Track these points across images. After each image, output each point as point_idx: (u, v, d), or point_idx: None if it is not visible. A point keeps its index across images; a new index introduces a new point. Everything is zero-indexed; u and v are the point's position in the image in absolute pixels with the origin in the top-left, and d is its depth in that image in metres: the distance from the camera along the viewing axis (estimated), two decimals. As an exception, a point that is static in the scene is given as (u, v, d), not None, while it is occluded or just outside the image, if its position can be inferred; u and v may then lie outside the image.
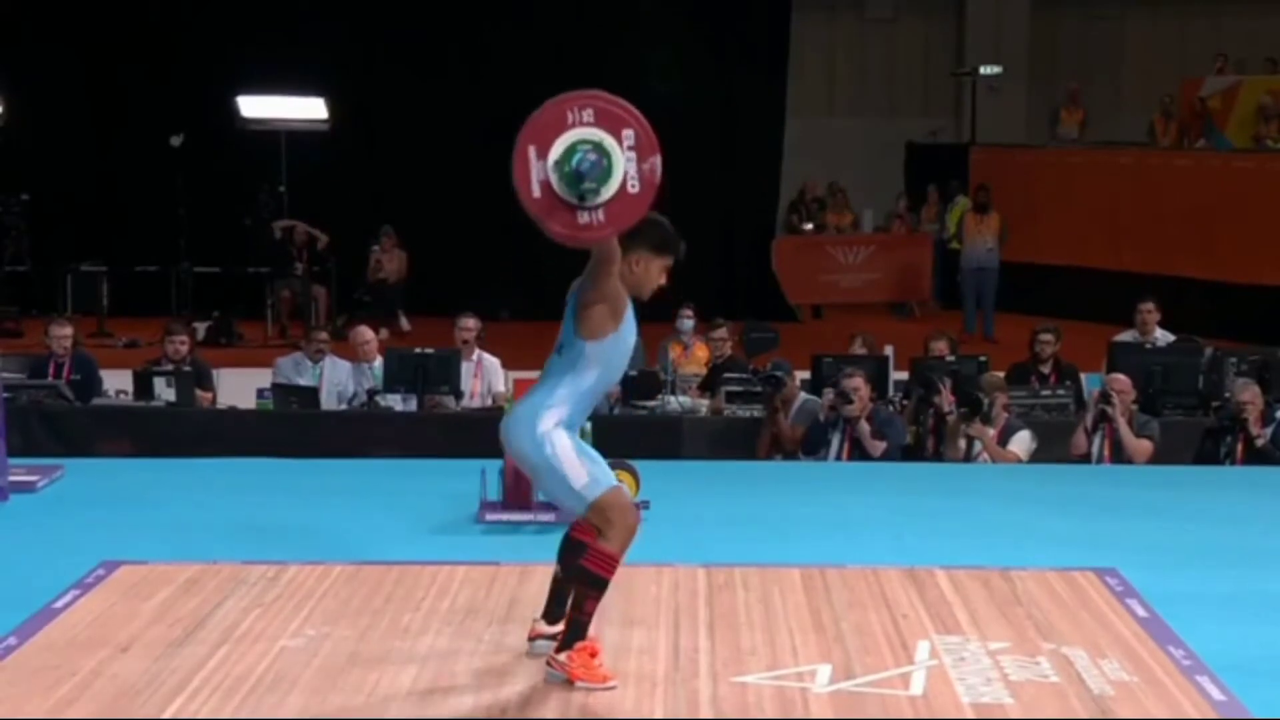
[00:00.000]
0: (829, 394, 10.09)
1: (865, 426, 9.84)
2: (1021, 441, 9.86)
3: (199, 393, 11.26)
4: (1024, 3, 22.30)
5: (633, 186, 5.10)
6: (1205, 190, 18.18)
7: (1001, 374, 11.06)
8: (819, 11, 21.81)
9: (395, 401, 11.22)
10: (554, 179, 5.09)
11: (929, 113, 22.39)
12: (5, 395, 9.62)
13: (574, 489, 5.26)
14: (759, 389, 10.73)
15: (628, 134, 5.10)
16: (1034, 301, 17.66)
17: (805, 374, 11.17)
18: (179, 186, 17.73)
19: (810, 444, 10.08)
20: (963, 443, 9.78)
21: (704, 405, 11.20)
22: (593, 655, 5.28)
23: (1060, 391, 11.24)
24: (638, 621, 5.86)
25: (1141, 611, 6.09)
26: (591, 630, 5.33)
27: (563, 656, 5.29)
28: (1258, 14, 21.43)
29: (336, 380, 11.63)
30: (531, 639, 5.56)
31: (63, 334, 11.58)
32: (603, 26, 18.21)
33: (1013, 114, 21.76)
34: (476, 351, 11.74)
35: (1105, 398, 9.92)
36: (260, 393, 11.50)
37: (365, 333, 11.97)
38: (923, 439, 10.04)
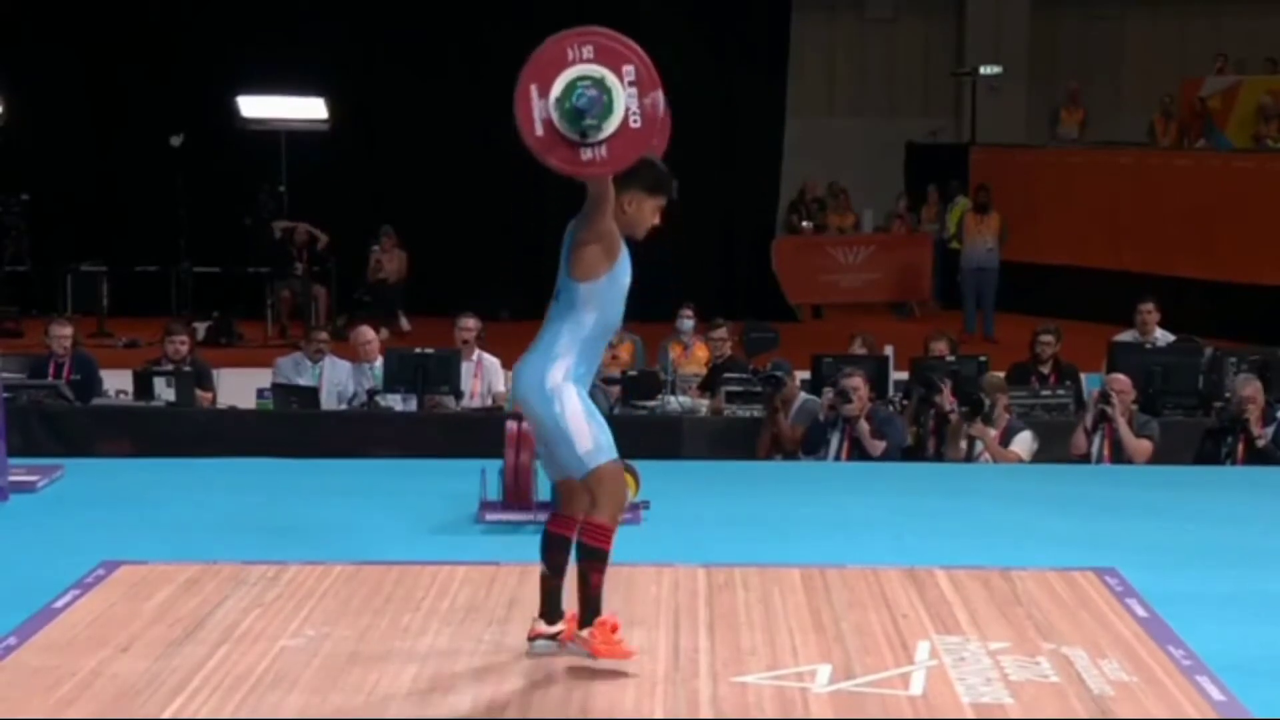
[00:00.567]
0: (828, 394, 10.09)
1: (864, 426, 9.84)
2: (1023, 442, 9.86)
3: (199, 393, 11.27)
4: (1024, 3, 22.30)
5: (634, 122, 5.10)
6: (1205, 190, 18.18)
7: (1001, 374, 11.06)
8: (819, 11, 21.81)
9: (395, 401, 11.22)
10: (555, 116, 5.08)
11: (929, 113, 22.39)
12: (5, 395, 9.62)
13: (577, 452, 5.28)
14: (759, 389, 10.73)
15: (628, 69, 5.11)
16: (1034, 301, 17.67)
17: (805, 374, 11.17)
18: (179, 186, 17.73)
19: (810, 444, 10.08)
20: (964, 443, 9.78)
21: (704, 405, 11.20)
22: (613, 630, 5.34)
23: (1060, 392, 11.24)
24: (638, 621, 5.86)
25: (1141, 611, 6.08)
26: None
27: (585, 633, 5.34)
28: (1258, 14, 21.43)
29: (336, 380, 11.63)
30: (531, 639, 5.56)
31: (63, 334, 11.59)
32: (604, 26, 18.21)
33: (1013, 114, 21.76)
34: (476, 351, 11.74)
35: (1105, 398, 9.92)
36: (260, 393, 11.50)
37: (367, 332, 11.97)
38: (924, 439, 10.03)
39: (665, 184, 5.38)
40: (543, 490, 7.57)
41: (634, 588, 6.25)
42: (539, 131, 5.12)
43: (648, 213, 5.37)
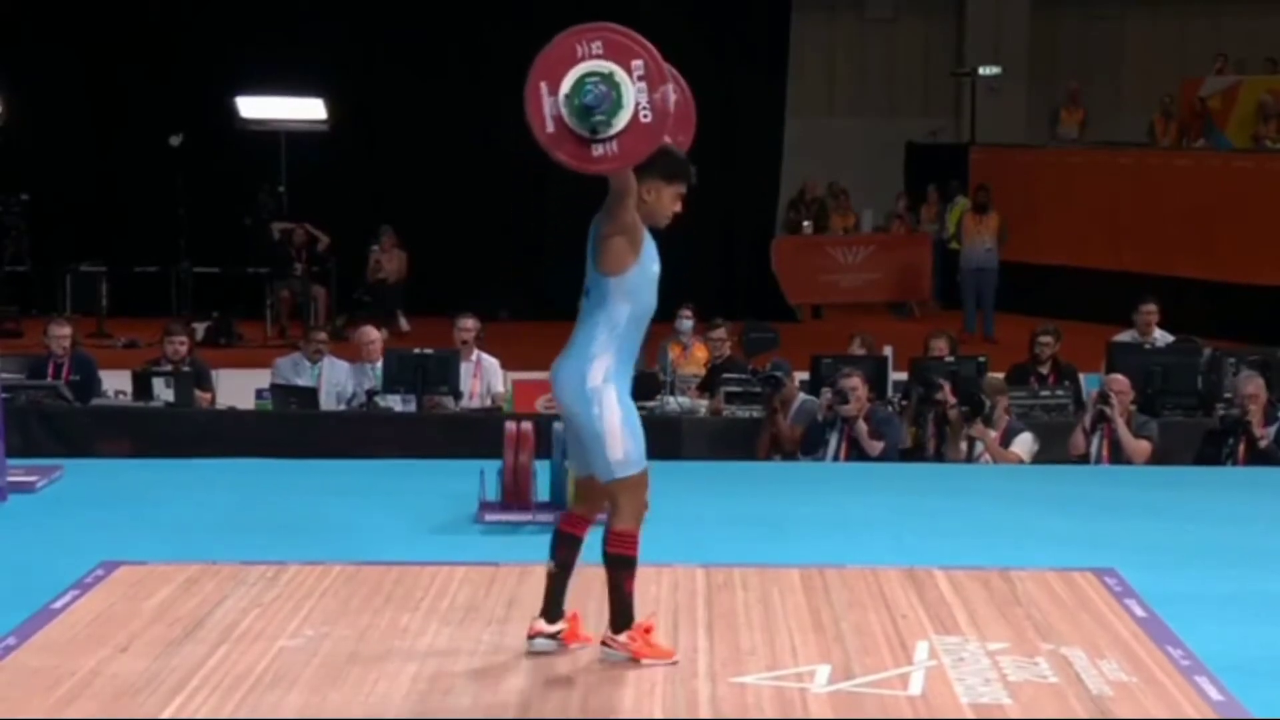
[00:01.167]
0: (826, 394, 10.08)
1: (863, 426, 9.84)
2: (1024, 443, 9.86)
3: (198, 393, 11.26)
4: (1024, 3, 22.30)
5: (645, 116, 5.12)
6: (1205, 190, 18.18)
7: (1001, 376, 11.06)
8: (819, 11, 21.81)
9: (395, 402, 11.22)
10: (565, 113, 5.09)
11: (929, 113, 22.39)
12: (5, 395, 9.63)
13: (607, 458, 5.33)
14: (758, 389, 10.73)
15: (637, 64, 5.12)
16: (1034, 302, 17.66)
17: (805, 374, 11.16)
18: (179, 187, 17.73)
19: (809, 444, 10.07)
20: (964, 444, 9.78)
21: (703, 405, 11.20)
22: (648, 632, 5.41)
23: (1059, 392, 11.24)
24: (637, 622, 5.85)
25: (1140, 612, 6.08)
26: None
27: (623, 637, 5.40)
28: (1258, 14, 21.43)
29: (335, 380, 11.63)
30: (530, 637, 5.56)
31: (62, 334, 11.58)
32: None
33: (1013, 114, 21.76)
34: (475, 352, 11.74)
35: (1104, 398, 9.92)
36: (259, 393, 11.50)
37: (370, 332, 11.96)
38: (923, 440, 10.01)
39: (684, 171, 5.40)
40: (542, 490, 7.60)
41: (633, 588, 6.24)
42: (550, 128, 5.13)
43: (668, 201, 5.39)
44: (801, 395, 10.64)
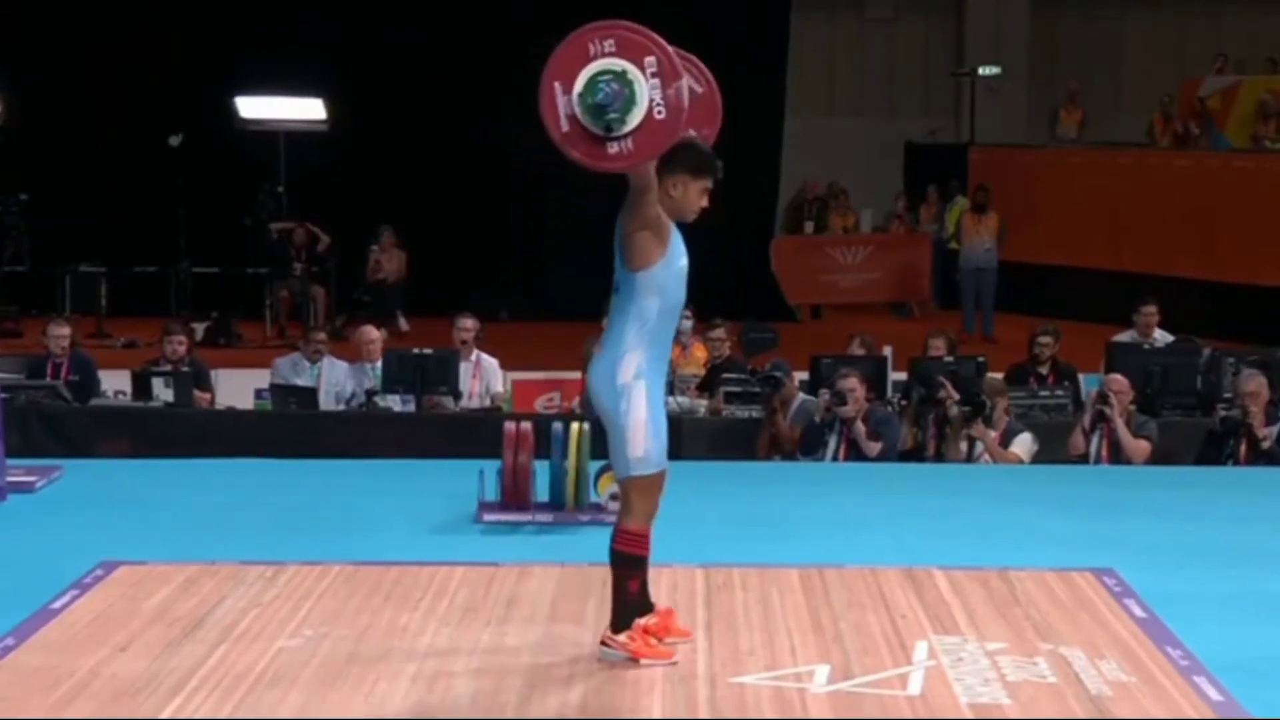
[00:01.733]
0: (825, 395, 10.08)
1: (861, 427, 9.84)
2: (1023, 444, 9.86)
3: (197, 393, 11.27)
4: (1024, 3, 22.30)
5: (659, 113, 5.11)
6: (1205, 190, 18.19)
7: (1000, 376, 11.06)
8: (819, 11, 21.82)
9: (394, 402, 11.22)
10: (579, 112, 5.09)
11: (929, 113, 22.39)
12: (4, 395, 9.63)
13: (626, 454, 5.36)
14: (757, 389, 10.72)
15: (650, 61, 5.11)
16: (1033, 302, 17.66)
17: (804, 374, 11.16)
18: (178, 187, 17.74)
19: (807, 444, 10.07)
20: (964, 444, 9.78)
21: (702, 406, 11.20)
22: (647, 632, 5.41)
23: (1058, 392, 11.24)
24: (636, 622, 5.85)
25: (1139, 612, 6.08)
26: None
27: (622, 637, 5.41)
28: (1258, 14, 21.44)
29: (335, 380, 11.63)
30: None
31: (61, 334, 11.59)
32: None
33: (1012, 114, 21.77)
34: (475, 352, 11.74)
35: (1103, 398, 9.92)
36: (258, 393, 11.51)
37: (371, 332, 11.96)
38: (923, 441, 10.00)
39: (709, 165, 5.40)
40: (541, 491, 7.60)
41: (632, 588, 6.24)
42: (564, 127, 5.13)
43: (694, 195, 5.39)
44: (801, 395, 10.64)
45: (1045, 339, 11.77)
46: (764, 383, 10.61)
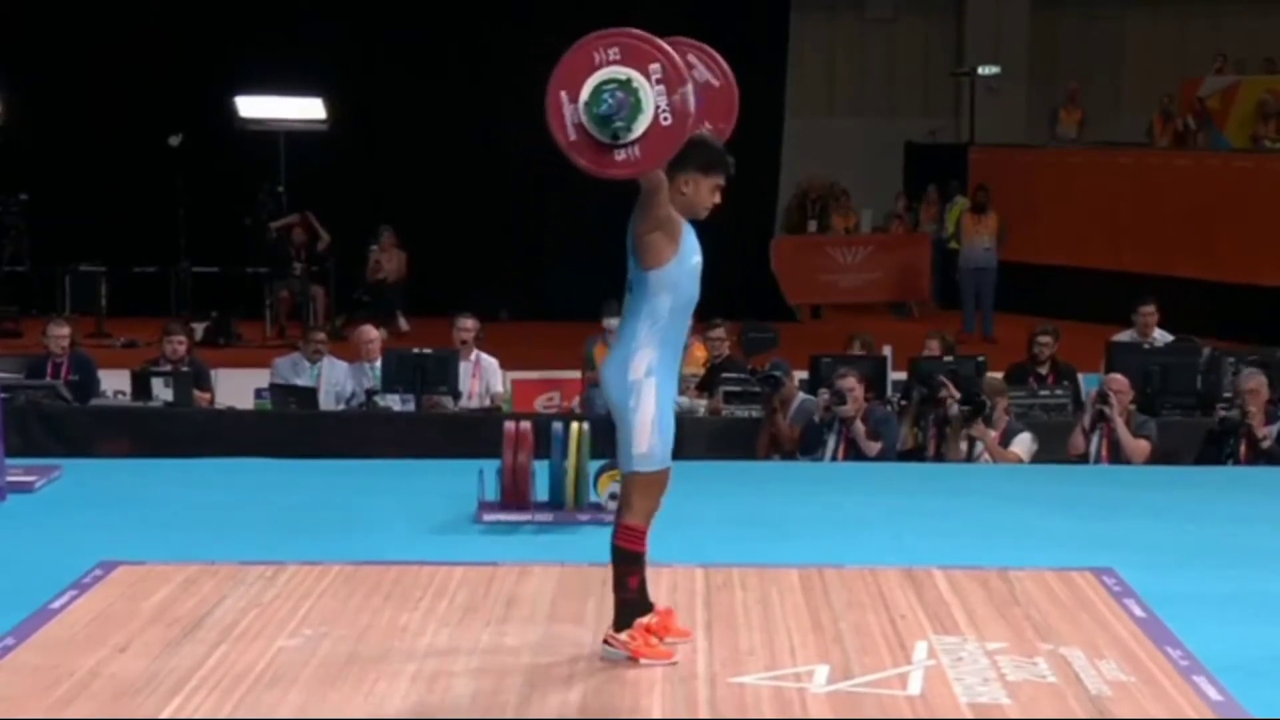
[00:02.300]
0: (824, 394, 10.08)
1: (860, 427, 9.83)
2: (1023, 443, 9.85)
3: (197, 393, 11.26)
4: (1024, 3, 22.31)
5: (665, 119, 5.12)
6: (1205, 190, 18.19)
7: (1000, 376, 11.05)
8: (819, 11, 21.82)
9: (394, 402, 11.22)
10: (586, 121, 5.11)
11: (929, 113, 22.40)
12: (4, 395, 9.63)
13: (631, 450, 5.38)
14: (757, 389, 10.72)
15: (654, 68, 5.13)
16: (1033, 301, 17.67)
17: (804, 374, 11.16)
18: (178, 187, 17.74)
19: (807, 444, 10.07)
20: (964, 444, 9.78)
21: (702, 405, 11.19)
22: (649, 631, 5.42)
23: (1058, 392, 11.24)
24: (636, 622, 5.85)
25: (1139, 612, 6.08)
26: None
27: (623, 635, 5.41)
28: (1258, 14, 21.44)
29: (334, 380, 11.63)
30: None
31: (60, 334, 11.59)
32: (603, 26, 18.24)
33: (1012, 114, 21.77)
34: (475, 352, 11.74)
35: (1103, 398, 9.92)
36: (258, 393, 11.50)
37: (370, 331, 11.96)
38: (923, 442, 9.99)
39: (721, 163, 5.41)
40: (541, 490, 7.60)
41: (632, 588, 6.23)
42: (572, 136, 5.15)
43: (706, 193, 5.40)
44: (801, 395, 10.64)
45: (1045, 339, 11.76)
46: (764, 382, 10.61)
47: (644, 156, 5.14)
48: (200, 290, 17.86)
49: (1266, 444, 9.73)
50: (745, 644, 5.67)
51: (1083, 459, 9.89)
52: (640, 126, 5.10)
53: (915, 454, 9.97)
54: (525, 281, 18.69)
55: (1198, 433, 10.21)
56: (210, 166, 18.06)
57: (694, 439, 10.59)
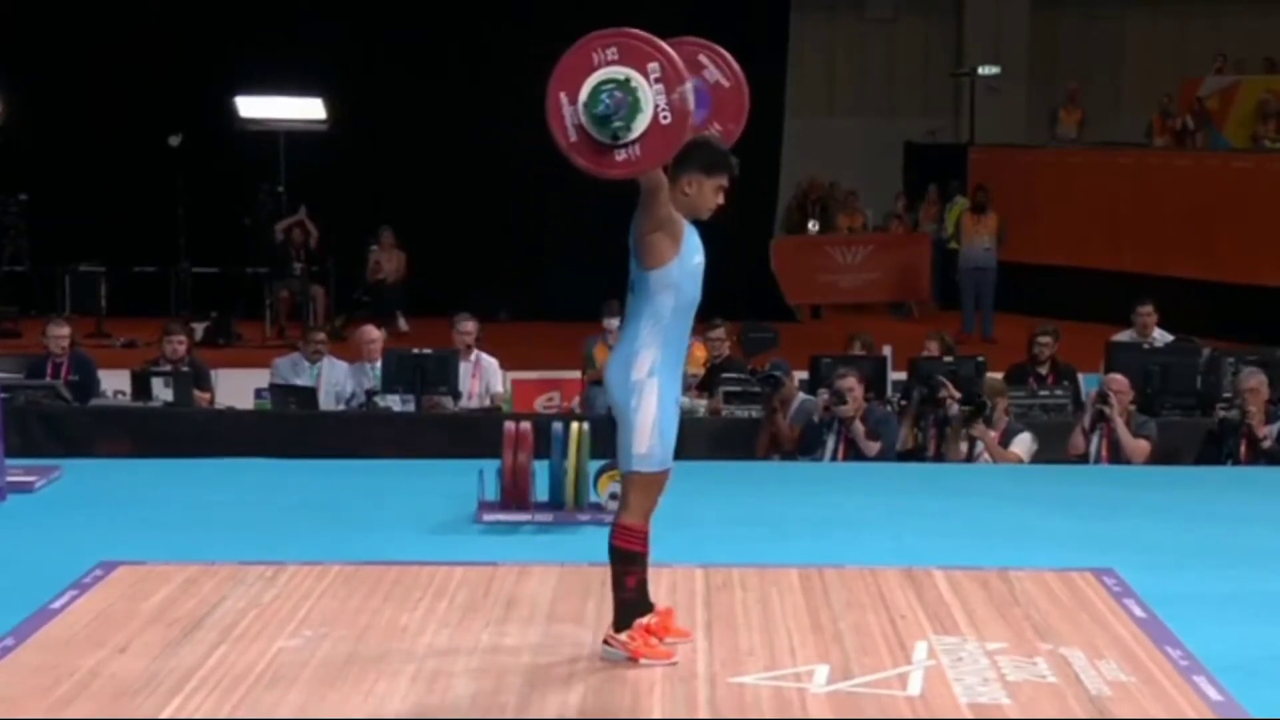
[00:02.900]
0: (824, 394, 10.08)
1: (859, 427, 9.83)
2: (1023, 444, 9.85)
3: (197, 393, 11.26)
4: (1024, 3, 22.32)
5: (664, 118, 5.12)
6: (1204, 190, 18.19)
7: (1000, 375, 11.05)
8: (819, 11, 21.83)
9: (394, 402, 11.21)
10: (585, 122, 5.12)
11: (929, 113, 22.40)
12: (4, 395, 9.63)
13: (631, 450, 5.38)
14: (757, 389, 10.73)
15: (653, 67, 5.13)
16: (1033, 302, 17.66)
17: (804, 374, 11.16)
18: (178, 187, 17.73)
19: (806, 444, 10.07)
20: (964, 444, 9.78)
21: (702, 405, 11.19)
22: (649, 632, 5.42)
23: (1058, 392, 11.24)
24: (635, 622, 5.85)
25: (1139, 612, 6.08)
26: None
27: (623, 636, 5.42)
28: (1258, 14, 21.45)
29: (334, 380, 11.63)
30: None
31: (60, 334, 11.58)
32: (603, 27, 18.22)
33: (1012, 114, 21.78)
34: (475, 352, 11.73)
35: (1103, 398, 9.92)
36: (258, 393, 11.50)
37: (372, 331, 11.96)
38: (924, 442, 9.99)
39: (724, 163, 5.41)
40: (541, 491, 7.60)
41: (632, 588, 6.23)
42: (572, 137, 5.16)
43: (709, 193, 5.40)
44: (801, 395, 10.64)
45: (1045, 339, 11.76)
46: (764, 382, 10.61)
47: (644, 156, 5.14)
48: (200, 290, 17.86)
49: (1267, 444, 9.73)
50: (745, 644, 5.67)
51: (1083, 459, 9.89)
52: (639, 126, 5.11)
53: (915, 454, 9.96)
54: (525, 281, 18.69)
55: (1198, 433, 10.22)
56: (210, 166, 18.05)
57: (694, 439, 10.57)
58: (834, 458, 9.86)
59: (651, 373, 5.36)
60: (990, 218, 18.12)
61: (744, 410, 10.83)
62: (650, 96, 5.11)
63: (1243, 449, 9.76)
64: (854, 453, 9.82)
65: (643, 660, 5.38)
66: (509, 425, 7.64)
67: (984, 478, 9.26)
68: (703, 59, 5.62)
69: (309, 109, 18.16)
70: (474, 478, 7.59)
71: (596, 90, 5.09)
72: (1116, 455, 9.83)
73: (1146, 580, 6.49)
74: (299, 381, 11.56)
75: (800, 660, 5.51)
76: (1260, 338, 14.21)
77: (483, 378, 11.65)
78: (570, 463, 7.45)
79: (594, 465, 7.49)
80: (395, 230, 18.38)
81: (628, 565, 5.42)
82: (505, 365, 12.01)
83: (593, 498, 7.51)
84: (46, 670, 5.34)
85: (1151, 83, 21.08)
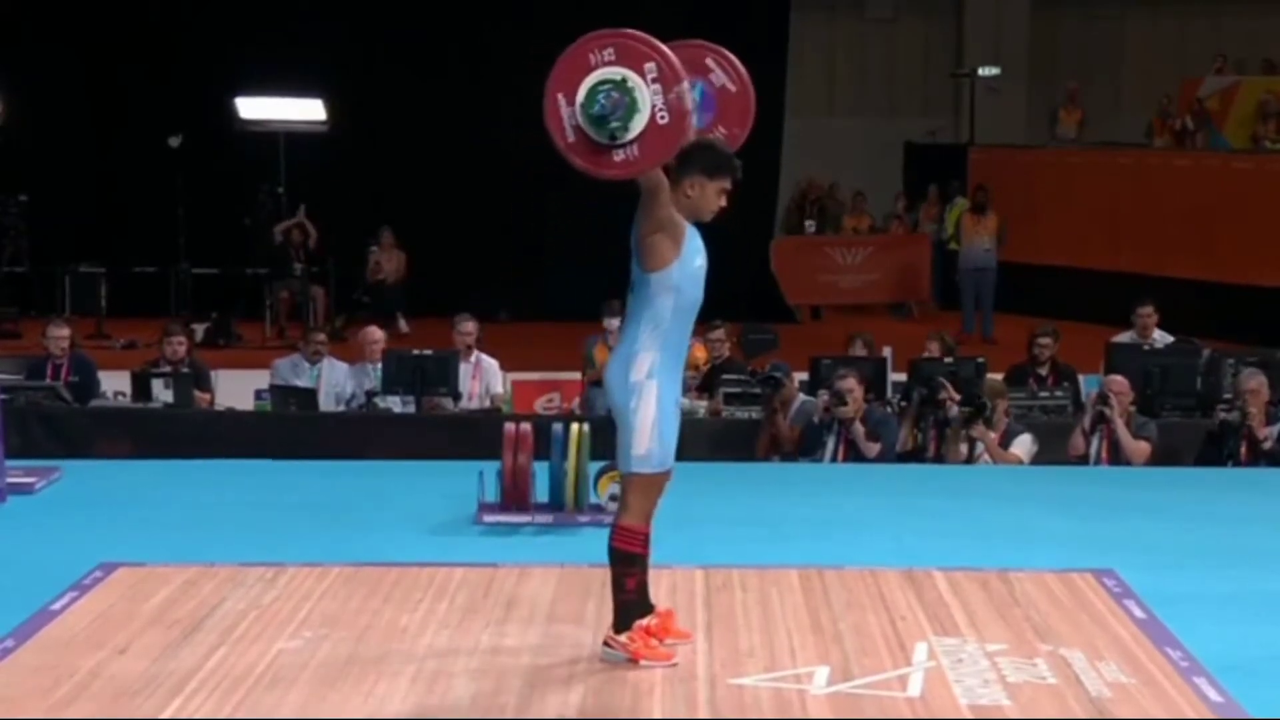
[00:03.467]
0: (823, 395, 10.08)
1: (859, 428, 9.83)
2: (1023, 445, 9.85)
3: (197, 394, 11.26)
4: (1024, 3, 22.31)
5: (662, 118, 5.13)
6: (1204, 190, 18.19)
7: (1000, 376, 11.05)
8: (819, 11, 21.82)
9: (394, 403, 11.21)
10: (583, 122, 5.12)
11: (928, 113, 22.40)
12: (4, 396, 9.63)
13: (631, 451, 5.38)
14: (757, 390, 10.72)
15: (649, 67, 5.14)
16: (1033, 302, 17.67)
17: (804, 375, 11.16)
18: (178, 187, 17.73)
19: (806, 445, 10.07)
20: (964, 445, 9.77)
21: (702, 406, 11.19)
22: (649, 634, 5.42)
23: (1058, 393, 11.23)
24: (635, 623, 5.84)
25: (1139, 613, 6.08)
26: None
27: (623, 637, 5.42)
28: (1258, 14, 21.44)
29: (334, 381, 11.63)
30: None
31: (60, 335, 11.58)
32: (602, 27, 18.20)
33: (1012, 114, 21.77)
34: (475, 353, 11.73)
35: (1103, 399, 9.91)
36: (258, 394, 11.49)
37: (374, 332, 11.96)
38: (924, 443, 9.99)
39: (727, 166, 5.41)
40: (541, 492, 7.60)
41: (632, 589, 6.23)
42: (570, 138, 5.16)
43: (711, 196, 5.39)
44: (801, 396, 10.64)
45: (1045, 340, 11.76)
46: (764, 383, 10.61)
47: (642, 156, 5.14)
48: (200, 291, 17.85)
49: (1267, 445, 9.73)
50: (745, 645, 5.67)
51: (1083, 460, 9.89)
52: (637, 126, 5.11)
53: (915, 455, 9.96)
54: (525, 282, 18.68)
55: (1198, 434, 10.21)
56: (210, 167, 18.05)
57: (694, 440, 10.57)
58: (834, 459, 9.86)
59: (651, 374, 5.36)
60: (990, 218, 18.12)
61: (744, 411, 10.83)
62: (647, 97, 5.11)
63: (1243, 450, 9.76)
64: (854, 454, 9.82)
65: (643, 662, 5.38)
66: (509, 426, 7.64)
67: (984, 479, 9.26)
68: (709, 62, 5.62)
69: (309, 110, 18.16)
70: (474, 479, 7.59)
71: (593, 91, 5.09)
72: (1117, 456, 9.83)
73: (1146, 581, 6.49)
74: (299, 382, 11.56)
75: (800, 661, 5.51)
76: (1260, 338, 14.20)
77: (483, 379, 11.65)
78: (570, 464, 7.45)
79: (594, 466, 7.49)
80: (395, 230, 18.38)
81: (628, 567, 5.42)
82: (505, 366, 12.00)
83: (593, 499, 7.51)
84: (46, 671, 5.34)
85: (1151, 83, 21.08)
